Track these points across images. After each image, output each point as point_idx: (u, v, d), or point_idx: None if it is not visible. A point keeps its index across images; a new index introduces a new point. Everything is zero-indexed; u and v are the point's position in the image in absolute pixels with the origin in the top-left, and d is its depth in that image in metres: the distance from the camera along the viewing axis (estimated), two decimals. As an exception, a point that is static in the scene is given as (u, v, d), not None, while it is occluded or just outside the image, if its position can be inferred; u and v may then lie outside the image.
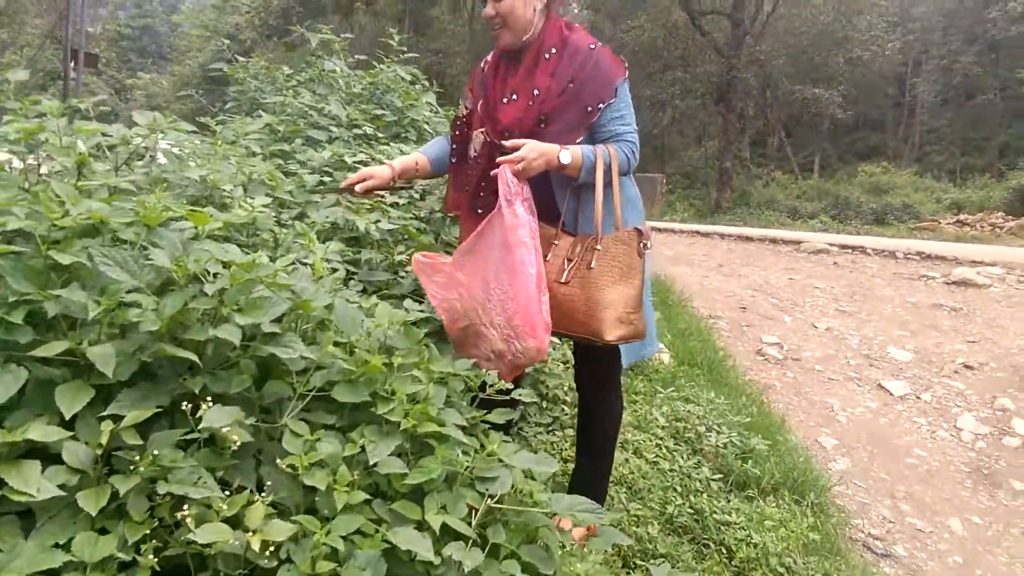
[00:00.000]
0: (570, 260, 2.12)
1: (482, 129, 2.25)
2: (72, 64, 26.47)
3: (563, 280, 2.08)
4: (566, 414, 3.09)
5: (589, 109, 2.13)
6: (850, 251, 9.66)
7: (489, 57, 2.35)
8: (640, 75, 26.75)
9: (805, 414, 4.25)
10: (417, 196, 3.39)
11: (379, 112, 4.10)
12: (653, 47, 25.15)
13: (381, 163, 2.42)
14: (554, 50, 2.14)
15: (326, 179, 3.11)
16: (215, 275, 1.48)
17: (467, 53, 30.17)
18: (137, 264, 1.45)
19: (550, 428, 2.97)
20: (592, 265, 2.07)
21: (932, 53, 32.78)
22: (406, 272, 2.76)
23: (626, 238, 2.09)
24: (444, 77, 30.52)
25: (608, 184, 2.14)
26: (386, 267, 2.75)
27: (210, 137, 4.58)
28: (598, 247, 2.09)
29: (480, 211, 2.23)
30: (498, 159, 2.00)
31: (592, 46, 2.15)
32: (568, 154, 2.06)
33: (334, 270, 2.30)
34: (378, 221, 2.89)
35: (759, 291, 7.32)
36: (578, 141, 2.13)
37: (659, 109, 26.89)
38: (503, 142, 2.05)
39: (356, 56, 4.94)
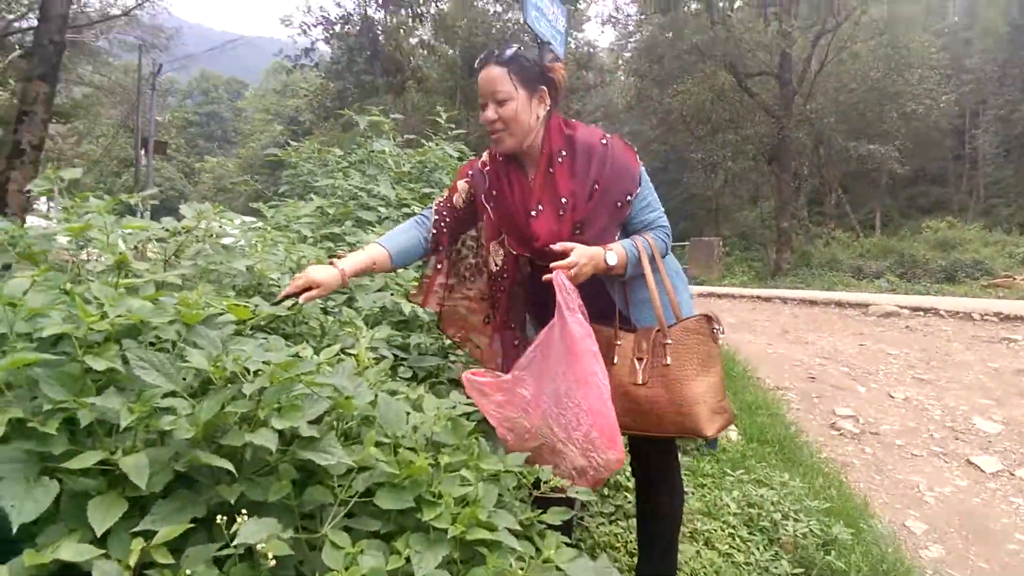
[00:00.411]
0: (640, 359, 2.03)
1: (498, 240, 2.18)
2: (143, 152, 27.88)
3: (641, 382, 1.99)
4: (629, 502, 2.92)
5: (619, 204, 2.07)
6: (922, 313, 9.23)
7: (485, 157, 2.26)
8: (689, 139, 26.80)
9: (888, 495, 3.96)
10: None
11: (427, 191, 4.09)
12: (701, 110, 25.21)
13: (330, 261, 2.12)
14: (564, 153, 2.07)
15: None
16: (255, 373, 1.41)
17: (517, 126, 30.66)
18: (174, 366, 1.39)
19: (613, 518, 2.80)
20: (668, 361, 1.98)
21: (989, 103, 32.10)
22: (456, 355, 2.68)
23: (697, 327, 2.01)
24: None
25: (655, 271, 2.08)
26: (436, 350, 2.67)
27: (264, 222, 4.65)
28: (668, 341, 2.00)
29: (512, 326, 2.22)
30: (554, 265, 1.89)
31: (604, 141, 2.09)
32: (613, 255, 1.99)
33: (380, 359, 2.22)
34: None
35: (828, 359, 7.01)
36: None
37: (711, 171, 26.80)
38: (551, 247, 1.96)
39: (405, 136, 4.99)
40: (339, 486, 1.40)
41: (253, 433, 1.31)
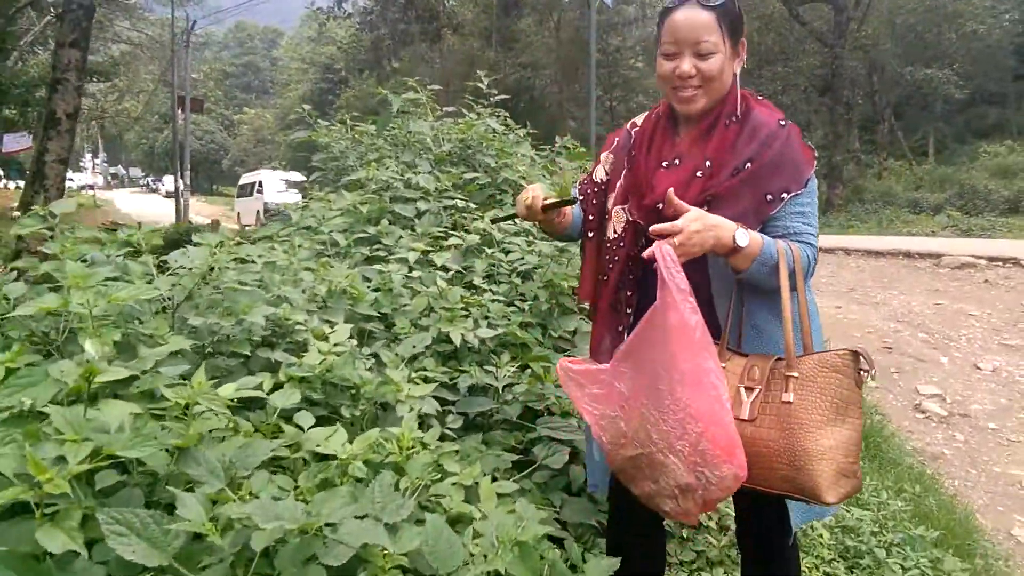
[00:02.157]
0: (750, 389, 1.57)
1: (623, 205, 1.81)
2: (180, 110, 27.80)
3: (747, 417, 1.54)
4: (712, 545, 2.58)
5: (769, 197, 1.63)
6: (1001, 264, 8.53)
7: (639, 120, 1.90)
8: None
9: (987, 493, 3.57)
10: (518, 280, 2.98)
11: (471, 176, 3.72)
12: (749, 42, 24.01)
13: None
14: (734, 118, 1.68)
15: (412, 274, 2.74)
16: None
17: (554, 64, 29.79)
18: (160, 526, 1.07)
19: (694, 568, 2.46)
20: (790, 398, 1.52)
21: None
22: (513, 393, 2.35)
23: (838, 363, 1.50)
24: (533, 90, 30.24)
25: (793, 288, 1.59)
26: (488, 388, 2.34)
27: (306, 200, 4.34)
28: (794, 374, 1.53)
29: (629, 310, 1.81)
30: (652, 229, 1.50)
31: (782, 123, 1.67)
32: (745, 235, 1.53)
33: (427, 425, 1.91)
34: (476, 325, 2.50)
35: (903, 323, 6.51)
36: None
37: (758, 105, 25.74)
38: (665, 205, 1.58)
39: (444, 108, 4.59)
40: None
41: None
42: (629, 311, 1.82)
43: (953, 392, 4.82)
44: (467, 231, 3.29)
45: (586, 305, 2.09)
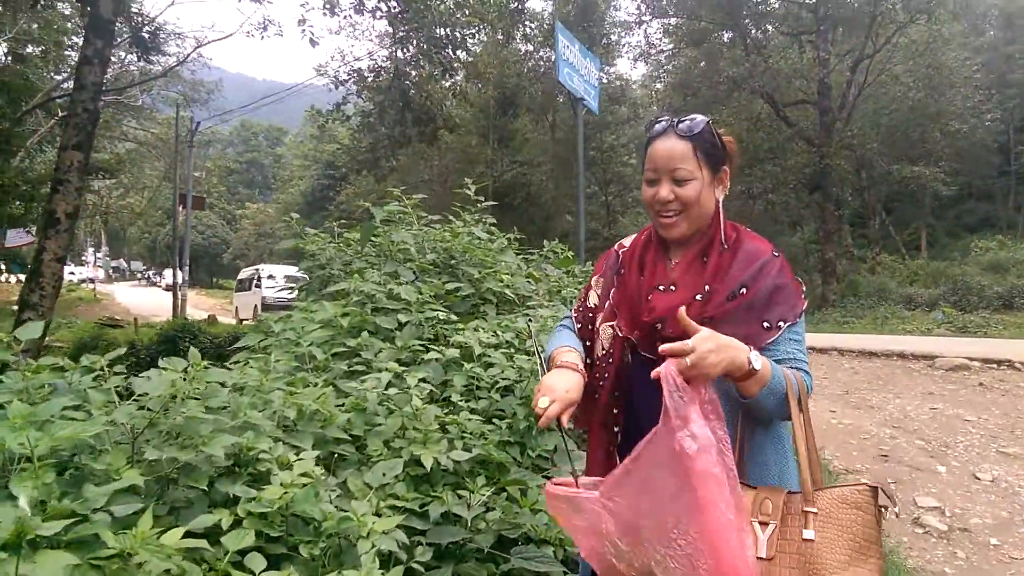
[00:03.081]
0: (764, 524, 1.48)
1: (611, 322, 1.79)
2: (181, 208, 28.29)
3: (765, 555, 1.44)
4: None
5: (767, 325, 1.62)
6: (995, 366, 8.45)
7: (627, 242, 1.93)
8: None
9: (992, 617, 3.42)
10: (497, 396, 2.93)
11: (454, 287, 3.72)
12: (739, 141, 24.58)
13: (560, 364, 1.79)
14: (726, 247, 1.71)
15: (388, 391, 2.69)
16: None
17: (550, 162, 30.51)
18: None
19: None
20: (812, 536, 1.43)
21: (1035, 117, 31.08)
22: (486, 521, 2.27)
23: (859, 500, 1.44)
24: (529, 186, 30.83)
25: (801, 413, 1.55)
26: (461, 517, 2.26)
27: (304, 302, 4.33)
28: (814, 510, 1.46)
29: (617, 428, 1.76)
30: (663, 348, 1.44)
31: (775, 253, 1.70)
32: (759, 358, 1.50)
33: (388, 559, 1.83)
34: (451, 447, 2.44)
35: (899, 429, 6.40)
36: None
37: (750, 201, 26.20)
38: (675, 326, 1.53)
39: (431, 216, 4.65)
40: None
41: None
42: (616, 429, 1.77)
43: (952, 504, 4.68)
44: (448, 344, 3.26)
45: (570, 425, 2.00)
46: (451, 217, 4.84)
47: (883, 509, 1.43)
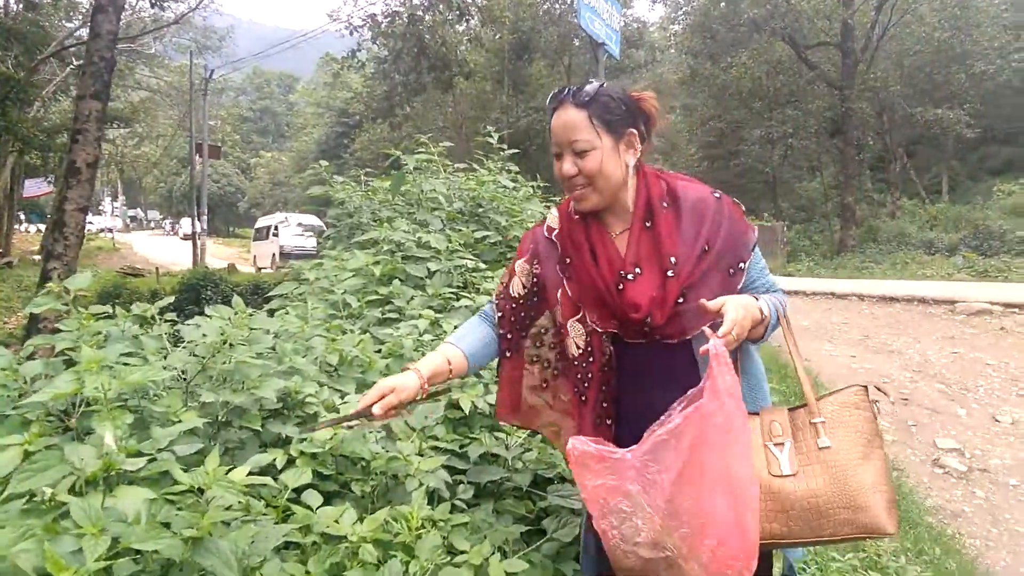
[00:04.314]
0: (779, 444, 1.57)
1: (575, 318, 1.75)
2: (197, 157, 28.28)
3: (790, 471, 1.53)
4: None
5: (732, 272, 1.66)
6: (1017, 311, 8.42)
7: (552, 222, 1.85)
8: (748, 115, 25.85)
9: (1010, 554, 3.50)
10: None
11: (482, 235, 3.76)
12: (758, 85, 24.21)
13: (405, 368, 1.79)
14: (665, 204, 1.68)
15: (423, 337, 2.75)
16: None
17: (567, 108, 30.05)
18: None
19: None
20: (827, 443, 1.54)
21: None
22: (523, 462, 2.34)
23: (856, 400, 1.58)
24: (544, 133, 30.39)
25: (790, 334, 1.69)
26: (498, 458, 2.33)
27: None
28: (821, 419, 1.56)
29: (609, 421, 1.74)
30: (721, 332, 1.45)
31: (716, 195, 1.70)
32: (764, 304, 1.60)
33: (433, 496, 1.91)
34: (487, 391, 2.51)
35: (920, 373, 6.45)
36: None
37: (769, 146, 25.83)
38: (704, 303, 1.53)
39: (456, 164, 4.66)
40: None
41: None
42: (609, 422, 1.76)
43: (972, 446, 4.75)
44: (478, 291, 3.32)
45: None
46: (474, 165, 4.85)
47: (876, 404, 1.57)
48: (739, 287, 1.67)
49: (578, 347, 1.74)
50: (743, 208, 1.75)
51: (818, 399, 1.60)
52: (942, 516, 3.82)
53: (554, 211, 1.88)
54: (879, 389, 1.62)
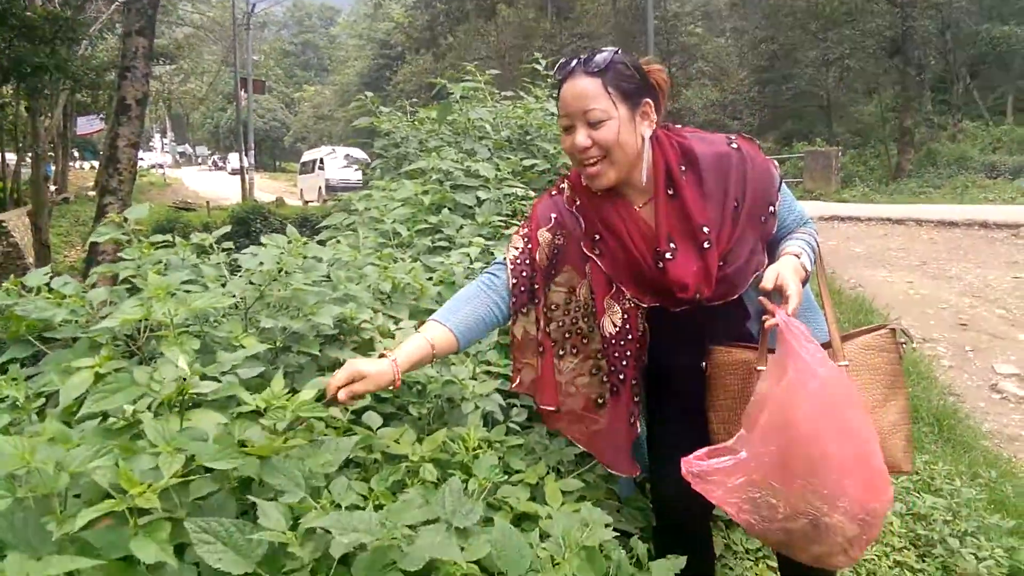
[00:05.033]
0: None
1: (611, 294, 1.72)
2: (243, 92, 28.36)
3: None
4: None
5: (763, 219, 1.65)
6: (1085, 232, 8.22)
7: (570, 194, 1.78)
8: (802, 36, 24.79)
9: (1069, 480, 3.45)
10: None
11: (530, 163, 3.72)
12: (814, 4, 23.14)
13: (381, 354, 1.66)
14: (684, 168, 1.63)
15: (474, 265, 2.76)
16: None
17: (611, 34, 29.27)
18: (244, 534, 1.13)
19: (760, 556, 2.46)
20: None
21: None
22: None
23: (883, 343, 1.61)
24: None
25: (823, 272, 1.74)
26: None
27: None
28: (845, 362, 1.58)
29: (636, 398, 1.78)
30: (790, 312, 1.46)
31: (733, 144, 1.65)
32: (806, 258, 1.61)
33: (487, 420, 1.94)
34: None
35: (979, 298, 6.27)
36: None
37: (824, 68, 24.80)
38: (765, 287, 1.53)
39: (503, 92, 4.58)
40: None
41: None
42: (636, 399, 1.77)
43: (1032, 372, 4.65)
44: (528, 219, 3.30)
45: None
46: (521, 93, 4.76)
47: (902, 346, 1.62)
48: (773, 230, 1.67)
49: (614, 324, 1.71)
50: (758, 143, 1.71)
51: (846, 338, 1.63)
52: (998, 440, 3.78)
53: (567, 182, 1.82)
54: (905, 332, 1.64)
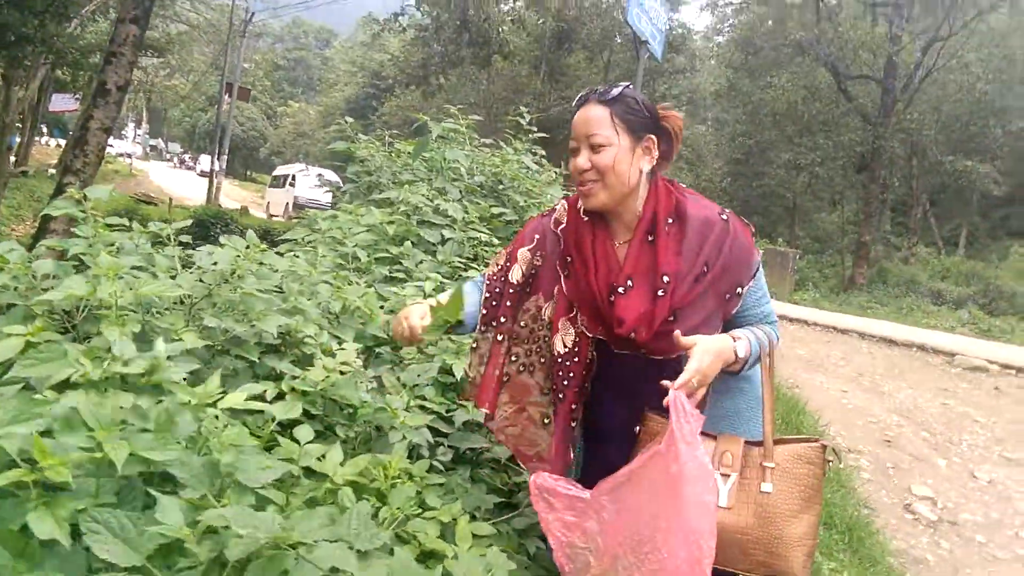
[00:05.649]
0: (725, 476, 1.63)
1: (567, 316, 1.79)
2: (227, 96, 28.23)
3: (725, 505, 1.60)
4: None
5: (728, 296, 1.70)
6: (1014, 372, 8.43)
7: (560, 216, 1.87)
8: (778, 137, 25.71)
9: (966, 606, 3.54)
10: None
11: (498, 211, 3.78)
12: (793, 109, 24.07)
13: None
14: (671, 220, 1.69)
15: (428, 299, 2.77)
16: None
17: (600, 104, 29.88)
18: (137, 528, 1.10)
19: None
20: (769, 489, 1.60)
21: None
22: (505, 434, 2.37)
23: (812, 456, 1.63)
24: (575, 126, 30.13)
25: (767, 372, 1.74)
26: (482, 427, 2.37)
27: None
28: (771, 464, 1.62)
29: (574, 423, 1.82)
30: (677, 384, 1.47)
31: (723, 216, 1.71)
32: (744, 345, 1.62)
33: (413, 453, 1.94)
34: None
35: (907, 418, 6.45)
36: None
37: (795, 172, 25.69)
38: (679, 339, 1.56)
39: (484, 139, 4.67)
40: None
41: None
42: (574, 424, 1.83)
43: (946, 498, 4.77)
44: (487, 264, 3.34)
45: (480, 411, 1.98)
46: (501, 143, 4.85)
47: (829, 463, 1.64)
48: (734, 311, 1.72)
49: (565, 345, 1.79)
50: (753, 230, 1.77)
51: (779, 442, 1.65)
52: (904, 560, 3.85)
53: (563, 204, 1.90)
54: (835, 451, 1.66)
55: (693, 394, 1.50)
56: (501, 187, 4.12)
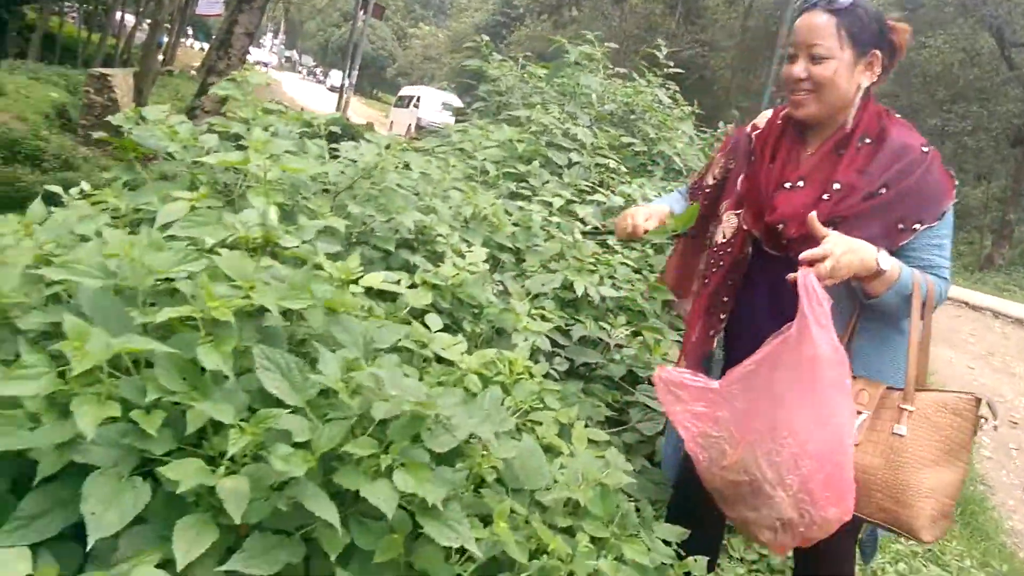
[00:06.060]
0: (858, 413, 1.53)
1: (736, 211, 1.78)
2: (361, 11, 28.59)
3: (854, 442, 1.50)
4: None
5: (901, 227, 1.57)
6: None
7: (761, 122, 1.84)
8: (927, 101, 23.98)
9: (1076, 597, 3.37)
10: (651, 251, 2.99)
11: (628, 141, 3.72)
12: (947, 73, 22.30)
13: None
14: (868, 140, 1.60)
15: (552, 218, 2.80)
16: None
17: (734, 49, 28.69)
18: (302, 373, 1.20)
19: (754, 568, 2.47)
20: (903, 432, 1.49)
21: None
22: (621, 354, 2.40)
23: (960, 407, 1.48)
24: (705, 69, 29.18)
25: (923, 321, 1.56)
26: (599, 344, 2.40)
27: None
28: (911, 408, 1.50)
29: (723, 316, 1.78)
30: (803, 256, 1.44)
31: (925, 148, 1.60)
32: (888, 259, 1.50)
33: (536, 359, 1.99)
34: (601, 282, 2.55)
35: (1037, 402, 6.12)
36: None
37: (941, 139, 23.99)
38: (808, 226, 1.50)
39: (617, 68, 4.58)
40: (457, 561, 1.19)
41: (372, 484, 1.11)
42: (723, 316, 1.79)
43: (1068, 489, 4.52)
44: (612, 192, 3.31)
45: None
46: (635, 75, 4.74)
47: (982, 420, 1.48)
48: (900, 244, 1.58)
49: (724, 235, 1.81)
50: (953, 177, 1.64)
51: (922, 390, 1.53)
52: (1018, 540, 3.69)
53: (767, 113, 1.88)
54: (990, 407, 1.49)
55: (822, 280, 1.42)
56: (632, 117, 4.05)
